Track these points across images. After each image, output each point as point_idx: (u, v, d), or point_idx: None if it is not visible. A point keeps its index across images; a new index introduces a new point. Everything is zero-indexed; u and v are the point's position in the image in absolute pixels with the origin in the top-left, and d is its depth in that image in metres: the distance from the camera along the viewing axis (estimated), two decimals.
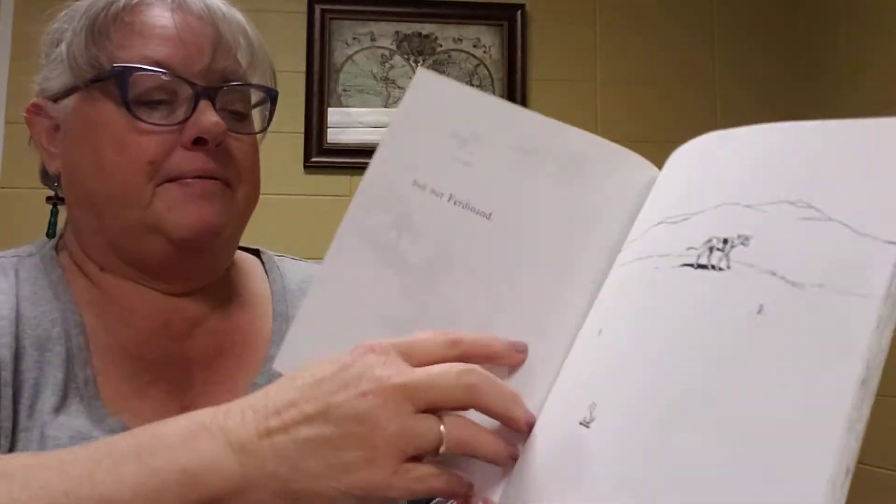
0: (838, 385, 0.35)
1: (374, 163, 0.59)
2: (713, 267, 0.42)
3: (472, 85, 2.26)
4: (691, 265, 0.44)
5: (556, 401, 0.52)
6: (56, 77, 0.73)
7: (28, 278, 0.72)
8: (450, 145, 0.58)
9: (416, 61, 2.27)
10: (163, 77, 0.69)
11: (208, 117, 0.69)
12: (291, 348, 0.58)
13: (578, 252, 0.56)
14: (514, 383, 0.53)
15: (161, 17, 0.71)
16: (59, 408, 0.66)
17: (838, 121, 0.41)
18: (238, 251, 0.85)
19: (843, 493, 0.33)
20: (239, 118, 0.75)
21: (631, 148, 0.56)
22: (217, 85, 0.71)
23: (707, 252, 0.43)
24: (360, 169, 2.50)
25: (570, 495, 0.46)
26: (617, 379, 0.46)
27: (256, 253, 0.88)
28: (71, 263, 0.76)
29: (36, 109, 0.76)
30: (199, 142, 0.70)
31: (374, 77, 2.25)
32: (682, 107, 2.33)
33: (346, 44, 2.25)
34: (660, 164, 0.56)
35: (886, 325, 0.35)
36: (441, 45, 2.28)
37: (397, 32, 2.27)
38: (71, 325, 0.70)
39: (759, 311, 0.39)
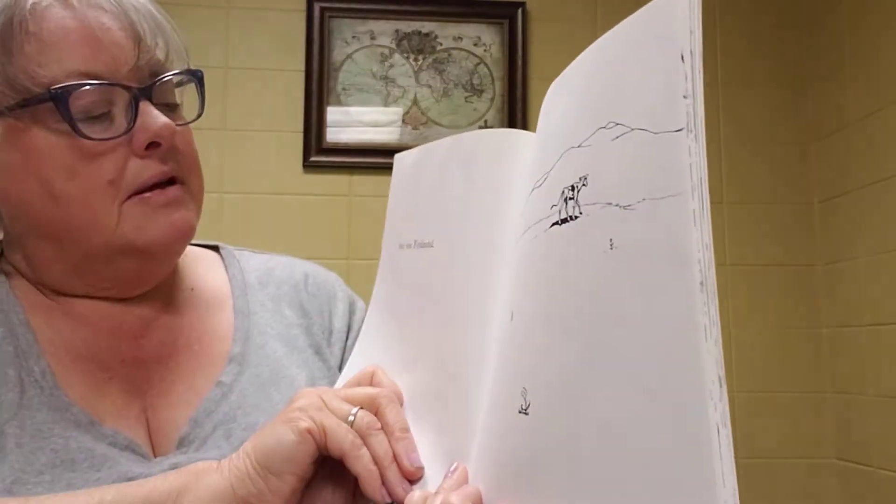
0: (682, 296, 0.33)
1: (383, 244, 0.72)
2: (571, 217, 0.41)
3: (472, 84, 2.25)
4: (557, 223, 0.42)
5: (494, 396, 0.51)
6: None
7: None
8: (411, 199, 0.68)
9: (415, 60, 2.26)
10: (99, 88, 0.65)
11: (156, 119, 0.67)
12: None
13: (500, 240, 0.56)
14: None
15: (69, 19, 0.66)
16: (19, 403, 0.65)
17: (615, 29, 0.40)
18: (196, 247, 0.83)
19: (723, 404, 0.31)
20: (172, 109, 0.72)
21: None
22: (149, 82, 0.68)
23: (564, 205, 0.41)
24: (360, 168, 2.49)
25: (528, 492, 0.45)
26: (534, 359, 0.45)
27: (216, 249, 0.86)
28: (16, 273, 0.73)
29: None
30: (151, 146, 0.67)
31: (374, 76, 2.25)
32: None
33: (346, 42, 2.25)
34: None
35: (702, 218, 0.33)
36: (441, 44, 2.27)
37: (397, 31, 2.26)
38: (16, 325, 0.69)
39: (611, 247, 0.38)
